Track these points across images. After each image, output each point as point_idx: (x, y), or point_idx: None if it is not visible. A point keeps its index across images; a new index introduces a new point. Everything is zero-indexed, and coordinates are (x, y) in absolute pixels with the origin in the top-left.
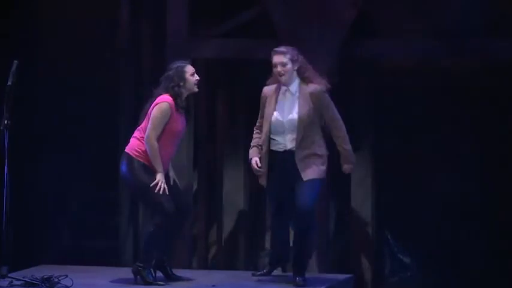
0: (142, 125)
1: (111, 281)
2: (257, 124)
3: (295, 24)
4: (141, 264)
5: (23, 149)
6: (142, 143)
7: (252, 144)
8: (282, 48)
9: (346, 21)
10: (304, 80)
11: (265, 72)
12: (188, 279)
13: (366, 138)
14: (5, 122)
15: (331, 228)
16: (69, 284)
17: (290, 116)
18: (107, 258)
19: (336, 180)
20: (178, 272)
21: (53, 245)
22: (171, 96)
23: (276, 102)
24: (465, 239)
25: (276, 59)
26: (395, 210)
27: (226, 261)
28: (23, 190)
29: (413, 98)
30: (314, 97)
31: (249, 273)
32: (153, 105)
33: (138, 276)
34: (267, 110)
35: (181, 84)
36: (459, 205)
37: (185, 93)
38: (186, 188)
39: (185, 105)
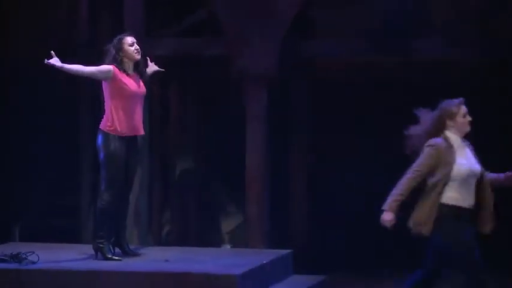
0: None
1: (74, 257)
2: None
3: (239, 24)
4: (101, 241)
5: None
6: (106, 114)
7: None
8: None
9: (286, 22)
10: None
11: (213, 67)
12: (144, 255)
13: (302, 128)
14: None
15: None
16: (35, 260)
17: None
18: (70, 237)
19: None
20: (135, 249)
21: (20, 224)
22: (113, 64)
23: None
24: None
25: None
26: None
27: (178, 238)
28: None
29: (345, 92)
30: None
31: (198, 249)
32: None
33: (99, 253)
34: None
35: (120, 53)
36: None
37: (127, 61)
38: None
39: (139, 71)
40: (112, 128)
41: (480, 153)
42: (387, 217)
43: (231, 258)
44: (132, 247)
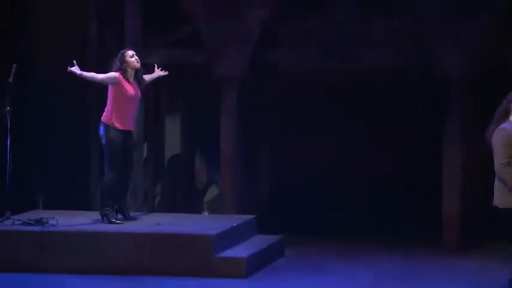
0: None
1: (86, 222)
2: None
3: (216, 38)
4: (106, 209)
5: (19, 128)
6: (107, 109)
7: None
8: None
9: (254, 36)
10: None
11: (196, 73)
12: (140, 220)
13: (269, 127)
14: (8, 108)
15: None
16: (55, 223)
17: None
18: (82, 206)
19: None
20: (133, 215)
21: (43, 196)
22: (119, 72)
23: None
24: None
25: None
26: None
27: (167, 207)
28: (19, 157)
29: (304, 92)
30: None
31: (184, 215)
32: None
33: (105, 218)
34: None
35: (124, 64)
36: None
37: (130, 69)
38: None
39: (138, 78)
40: (111, 122)
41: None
42: None
43: (209, 223)
44: (131, 214)
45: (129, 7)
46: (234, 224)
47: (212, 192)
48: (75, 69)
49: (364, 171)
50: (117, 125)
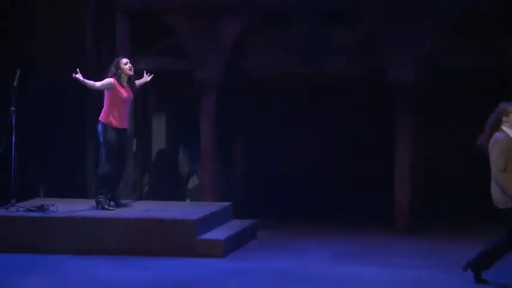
0: None
1: (82, 208)
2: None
3: (196, 48)
4: (100, 196)
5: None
6: (104, 110)
7: None
8: None
9: (229, 45)
10: None
11: (179, 79)
12: (130, 207)
13: (243, 125)
14: (13, 108)
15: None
16: (54, 210)
17: None
18: (80, 194)
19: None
20: (124, 202)
21: (44, 185)
22: (114, 77)
23: None
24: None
25: None
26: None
27: (154, 195)
28: (22, 150)
29: (274, 97)
30: None
31: (168, 202)
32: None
33: (99, 205)
34: None
35: (119, 70)
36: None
37: (124, 75)
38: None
39: (130, 83)
40: (108, 121)
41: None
42: None
43: (191, 209)
44: (122, 201)
45: (119, 20)
46: (213, 210)
47: (193, 182)
48: (79, 76)
49: (329, 162)
50: (113, 123)
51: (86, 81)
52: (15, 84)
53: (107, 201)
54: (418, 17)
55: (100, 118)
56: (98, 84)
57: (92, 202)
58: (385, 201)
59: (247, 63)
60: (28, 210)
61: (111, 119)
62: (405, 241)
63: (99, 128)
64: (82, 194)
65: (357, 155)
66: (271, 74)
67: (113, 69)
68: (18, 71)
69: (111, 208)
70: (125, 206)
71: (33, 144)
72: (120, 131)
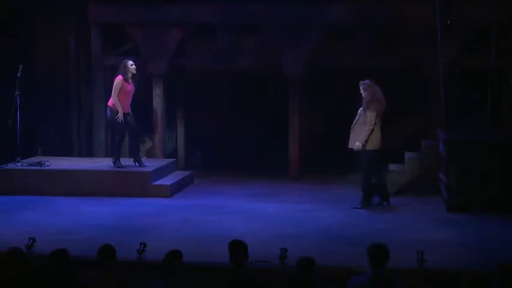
0: None
1: (69, 163)
2: None
3: (148, 50)
4: (115, 157)
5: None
6: (111, 99)
7: None
8: None
9: (172, 48)
10: None
11: (137, 72)
12: (142, 165)
13: (183, 104)
14: (17, 92)
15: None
16: (49, 164)
17: None
18: (66, 154)
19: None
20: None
21: (42, 147)
22: (122, 75)
23: None
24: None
25: None
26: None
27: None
28: (26, 122)
29: (205, 86)
30: None
31: (129, 159)
32: (114, 79)
33: (115, 163)
34: None
35: (126, 69)
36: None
37: (129, 73)
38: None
39: (135, 79)
40: (115, 108)
41: None
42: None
43: (147, 164)
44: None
45: (93, 30)
46: (163, 164)
47: (148, 144)
48: (116, 109)
49: (247, 130)
50: (119, 109)
51: (115, 99)
52: (18, 75)
53: (121, 163)
54: (305, 30)
55: (109, 104)
56: (116, 93)
57: (77, 159)
58: (282, 158)
59: (186, 61)
60: (29, 165)
61: (117, 105)
62: (296, 185)
63: (108, 112)
64: (68, 153)
65: (265, 125)
66: (202, 69)
67: (121, 67)
68: (21, 66)
69: (122, 166)
70: (144, 165)
71: (33, 118)
72: (125, 114)
